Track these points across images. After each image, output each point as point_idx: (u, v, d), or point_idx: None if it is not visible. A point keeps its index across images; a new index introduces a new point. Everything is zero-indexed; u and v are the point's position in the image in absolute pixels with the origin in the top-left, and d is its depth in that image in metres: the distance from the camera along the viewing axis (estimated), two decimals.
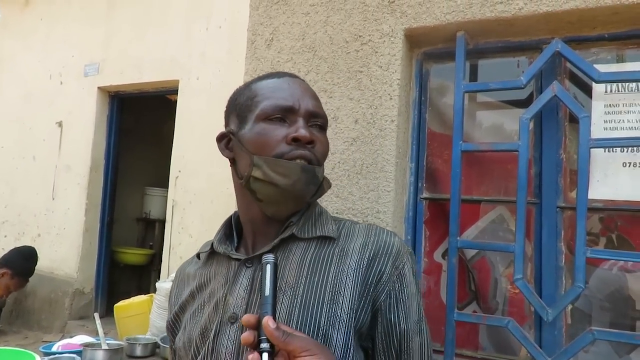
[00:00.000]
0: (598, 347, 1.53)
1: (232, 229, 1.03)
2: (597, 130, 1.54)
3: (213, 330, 0.89)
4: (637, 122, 1.52)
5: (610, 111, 1.55)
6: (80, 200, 4.50)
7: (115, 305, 3.20)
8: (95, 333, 2.68)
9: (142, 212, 5.77)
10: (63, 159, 4.65)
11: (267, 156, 0.89)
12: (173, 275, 3.08)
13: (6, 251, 3.73)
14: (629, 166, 1.53)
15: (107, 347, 2.40)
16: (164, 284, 2.95)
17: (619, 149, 1.52)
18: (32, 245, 3.72)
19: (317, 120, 0.95)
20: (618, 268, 1.55)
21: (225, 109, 1.03)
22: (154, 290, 3.11)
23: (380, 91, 1.63)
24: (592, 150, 1.48)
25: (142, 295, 3.29)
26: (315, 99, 0.97)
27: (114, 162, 4.71)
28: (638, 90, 1.53)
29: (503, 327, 1.58)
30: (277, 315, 0.84)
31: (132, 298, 3.29)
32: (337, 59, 1.70)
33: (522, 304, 1.65)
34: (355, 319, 0.85)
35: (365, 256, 0.89)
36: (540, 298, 1.52)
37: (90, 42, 4.65)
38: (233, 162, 1.00)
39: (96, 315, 2.65)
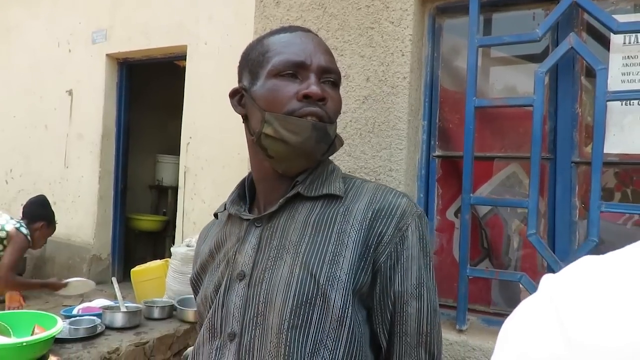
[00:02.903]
0: None
1: (245, 189, 1.03)
2: (615, 83, 1.50)
3: (223, 286, 0.92)
4: None
5: (628, 63, 1.51)
6: (93, 168, 4.54)
7: (132, 269, 3.26)
8: (113, 297, 2.73)
9: (154, 179, 5.82)
10: (74, 127, 4.67)
11: (279, 113, 0.88)
12: (187, 240, 3.13)
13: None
14: None
15: (125, 310, 2.46)
16: (179, 249, 3.00)
17: (637, 101, 1.49)
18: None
19: (330, 76, 0.93)
20: (633, 223, 1.54)
21: (238, 64, 1.02)
22: (169, 256, 3.16)
23: (392, 48, 1.61)
24: (608, 103, 1.45)
25: (158, 260, 3.34)
26: (328, 54, 0.95)
27: (125, 129, 4.72)
28: None
29: (515, 283, 1.60)
30: (280, 274, 0.86)
31: (148, 263, 3.35)
32: (348, 16, 1.67)
33: (535, 260, 1.66)
34: (354, 280, 0.85)
35: (368, 217, 0.88)
36: (554, 253, 1.52)
37: (97, 9, 4.59)
38: (245, 119, 0.99)
39: (114, 279, 2.70)
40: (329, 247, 0.86)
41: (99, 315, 2.43)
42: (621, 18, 1.46)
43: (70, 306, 2.84)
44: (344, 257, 0.85)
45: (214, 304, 0.92)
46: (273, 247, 0.90)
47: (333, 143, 0.95)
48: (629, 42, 1.51)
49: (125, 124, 4.70)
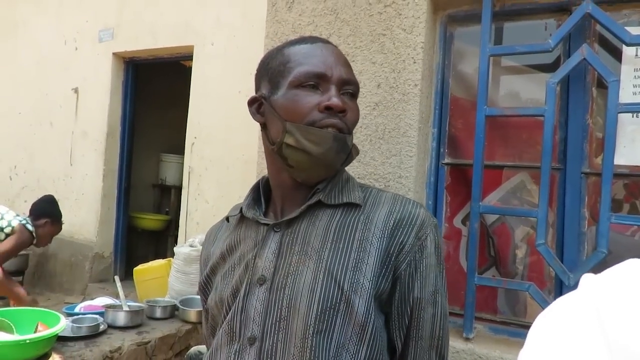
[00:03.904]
0: None
1: (260, 193, 1.04)
2: (626, 95, 1.51)
3: (243, 291, 0.92)
4: None
5: (639, 75, 1.51)
6: (97, 166, 4.54)
7: (135, 268, 3.26)
8: (115, 295, 2.74)
9: (158, 179, 5.82)
10: (80, 125, 4.67)
11: (299, 123, 0.90)
12: (191, 240, 3.13)
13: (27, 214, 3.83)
14: None
15: (128, 309, 2.46)
16: (182, 249, 3.00)
17: None
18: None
19: (349, 87, 0.95)
20: None
21: (255, 72, 1.03)
22: (171, 255, 3.16)
23: (404, 55, 1.61)
24: (619, 115, 1.45)
25: (161, 260, 3.34)
26: (347, 65, 0.97)
27: (130, 128, 4.73)
28: None
29: (521, 292, 1.60)
30: (303, 279, 0.87)
31: (150, 262, 3.35)
32: (360, 22, 1.68)
33: (542, 269, 1.66)
34: (376, 286, 0.87)
35: (389, 225, 0.90)
36: (562, 263, 1.52)
37: (104, 7, 4.60)
38: (264, 127, 1.00)
39: (117, 278, 2.70)
40: (352, 253, 0.88)
41: (101, 314, 2.43)
42: (633, 30, 1.47)
43: (73, 304, 2.84)
44: (366, 264, 0.88)
45: (233, 307, 0.93)
46: (295, 253, 0.91)
47: (350, 153, 0.96)
48: None
49: (130, 123, 4.71)
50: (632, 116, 1.51)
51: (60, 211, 3.69)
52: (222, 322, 0.95)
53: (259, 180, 1.07)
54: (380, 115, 1.62)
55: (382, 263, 0.88)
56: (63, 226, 3.79)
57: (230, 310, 0.94)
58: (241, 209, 1.02)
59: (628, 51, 1.52)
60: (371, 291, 0.86)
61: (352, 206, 0.94)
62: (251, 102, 1.00)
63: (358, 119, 0.98)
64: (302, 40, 0.98)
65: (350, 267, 0.87)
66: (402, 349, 0.92)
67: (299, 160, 0.91)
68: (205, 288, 1.08)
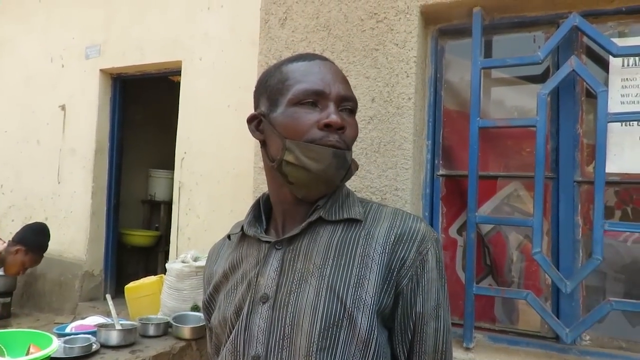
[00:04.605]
0: (611, 316, 1.56)
1: (261, 211, 1.04)
2: (614, 104, 1.54)
3: (246, 309, 0.92)
4: None
5: (627, 85, 1.55)
6: (86, 184, 4.49)
7: (126, 286, 3.22)
8: (106, 314, 2.69)
9: (147, 194, 5.77)
10: (67, 142, 4.62)
11: (299, 140, 0.90)
12: (183, 256, 3.10)
13: (13, 234, 3.76)
14: None
15: (120, 328, 2.43)
16: (174, 265, 2.97)
17: (636, 122, 1.53)
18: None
19: (348, 104, 0.95)
20: (633, 240, 1.57)
21: (254, 89, 1.03)
22: (161, 271, 3.13)
23: (397, 69, 1.63)
24: (609, 124, 1.49)
25: (152, 276, 3.30)
26: (346, 82, 0.98)
27: (119, 144, 4.69)
28: None
29: (518, 300, 1.61)
30: (306, 297, 0.87)
31: (142, 279, 3.30)
32: (353, 38, 1.70)
33: (537, 277, 1.68)
34: (378, 302, 0.87)
35: (390, 241, 0.91)
36: (558, 271, 1.55)
37: (91, 24, 4.58)
38: (263, 144, 1.00)
39: (108, 296, 2.67)
40: (354, 270, 0.89)
41: (93, 333, 2.39)
42: (620, 42, 1.51)
43: (63, 324, 2.79)
44: (368, 280, 0.88)
45: (237, 326, 0.93)
46: (297, 270, 0.91)
47: (350, 168, 0.97)
48: (628, 65, 1.56)
49: (118, 139, 4.67)
50: (621, 125, 1.55)
51: (42, 243, 3.48)
52: (226, 341, 0.95)
53: (259, 198, 1.07)
54: (375, 129, 1.64)
55: (384, 279, 0.88)
56: (52, 245, 3.70)
57: (233, 329, 0.93)
58: (242, 226, 1.02)
59: (615, 62, 1.56)
60: (373, 307, 0.86)
61: (352, 222, 0.95)
62: (250, 120, 1.01)
63: (357, 135, 0.98)
64: (300, 57, 0.99)
65: (352, 284, 0.87)
66: None
67: (299, 177, 0.92)
68: (208, 307, 1.08)
